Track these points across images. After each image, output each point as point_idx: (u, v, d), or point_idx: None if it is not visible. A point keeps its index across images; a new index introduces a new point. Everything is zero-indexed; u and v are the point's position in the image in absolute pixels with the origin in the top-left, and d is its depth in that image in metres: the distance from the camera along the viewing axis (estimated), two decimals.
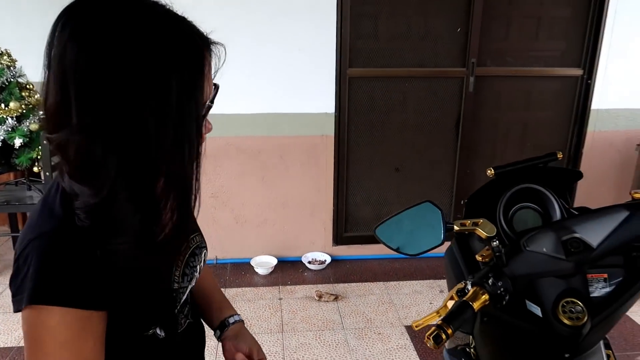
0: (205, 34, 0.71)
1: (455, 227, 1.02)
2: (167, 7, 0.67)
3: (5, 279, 3.08)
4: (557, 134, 3.30)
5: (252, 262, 3.18)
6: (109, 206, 0.64)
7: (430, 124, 3.19)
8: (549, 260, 1.05)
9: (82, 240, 0.66)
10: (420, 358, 2.39)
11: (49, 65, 0.62)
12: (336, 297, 2.87)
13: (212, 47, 0.72)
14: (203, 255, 0.93)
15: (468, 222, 1.03)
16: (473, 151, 3.24)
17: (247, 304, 2.82)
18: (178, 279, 0.83)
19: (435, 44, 3.02)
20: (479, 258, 1.07)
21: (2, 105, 2.80)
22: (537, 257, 1.04)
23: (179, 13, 0.68)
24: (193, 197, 0.70)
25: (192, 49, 0.65)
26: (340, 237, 3.34)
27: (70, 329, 0.65)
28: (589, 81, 3.14)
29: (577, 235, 1.06)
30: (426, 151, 3.25)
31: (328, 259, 3.26)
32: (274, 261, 3.20)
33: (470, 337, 1.35)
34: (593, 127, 3.22)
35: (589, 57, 3.11)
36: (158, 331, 0.80)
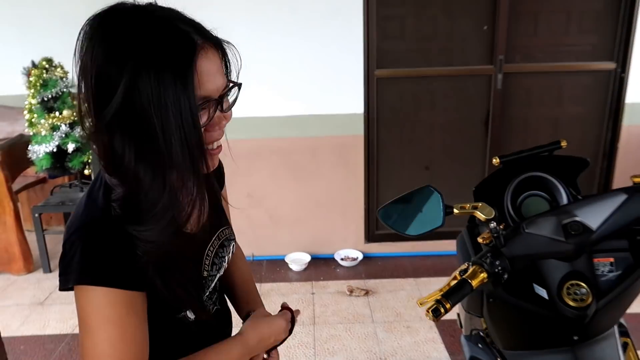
0: (209, 32, 0.75)
1: (455, 210, 1.10)
2: (169, 12, 0.73)
3: None
4: (590, 129, 3.26)
5: (287, 259, 3.31)
6: (135, 196, 0.73)
7: (459, 122, 3.22)
8: (548, 242, 1.10)
9: (119, 228, 0.74)
10: (448, 351, 2.44)
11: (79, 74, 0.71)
12: (367, 292, 2.96)
13: (226, 48, 0.79)
14: (231, 247, 1.01)
15: (467, 205, 1.10)
16: (503, 149, 3.24)
17: (281, 298, 2.94)
18: (208, 267, 0.92)
19: (461, 42, 3.06)
20: (480, 240, 1.14)
21: (57, 113, 3.05)
22: (536, 238, 1.09)
23: (192, 15, 0.76)
24: (197, 186, 0.75)
25: (180, 50, 0.69)
26: (371, 234, 3.41)
27: (114, 307, 0.72)
28: (623, 74, 3.09)
29: (577, 218, 1.10)
30: (455, 149, 3.28)
31: (360, 256, 3.34)
32: (308, 258, 3.31)
33: (482, 320, 1.41)
34: (628, 121, 3.16)
35: (622, 50, 3.06)
36: (188, 314, 0.87)
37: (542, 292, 1.18)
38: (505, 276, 1.06)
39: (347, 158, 3.21)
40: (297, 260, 3.31)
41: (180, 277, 0.82)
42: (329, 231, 3.37)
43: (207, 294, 0.95)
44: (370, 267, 3.30)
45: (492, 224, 1.06)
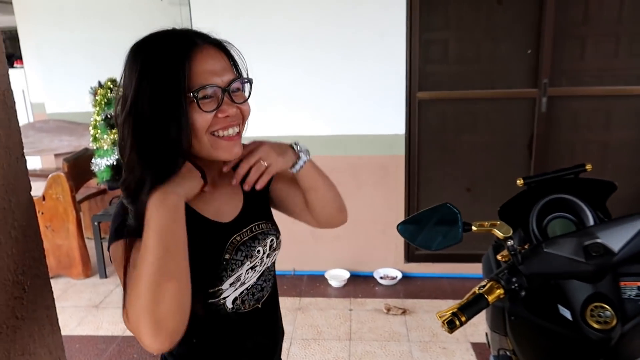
0: (211, 37, 0.92)
1: (474, 228, 1.14)
2: (182, 29, 0.91)
3: (117, 280, 3.56)
4: None
5: (326, 275, 3.37)
6: (127, 177, 0.87)
7: (502, 145, 3.21)
8: (567, 262, 1.11)
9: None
10: None
11: None
12: (404, 311, 2.97)
13: (230, 49, 0.94)
14: (269, 242, 1.04)
15: (486, 223, 1.14)
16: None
17: (319, 312, 3.01)
18: (231, 251, 0.97)
19: (504, 65, 3.07)
20: (499, 257, 1.17)
21: (116, 129, 3.30)
22: (555, 258, 1.11)
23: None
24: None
25: (178, 47, 0.85)
26: (411, 254, 3.43)
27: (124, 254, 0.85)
28: None
29: (598, 240, 1.12)
30: (498, 172, 3.26)
31: (399, 275, 3.36)
32: (347, 275, 3.37)
33: (507, 339, 1.42)
34: None
35: None
36: (229, 304, 0.97)
37: (566, 313, 1.19)
38: (523, 293, 1.09)
39: (387, 178, 3.27)
40: (337, 276, 3.37)
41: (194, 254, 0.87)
42: (368, 249, 3.42)
43: (246, 288, 1.01)
44: (409, 286, 3.31)
45: (509, 242, 1.10)
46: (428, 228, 1.13)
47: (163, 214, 0.79)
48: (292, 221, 3.69)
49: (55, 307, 0.96)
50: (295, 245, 3.39)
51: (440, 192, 3.33)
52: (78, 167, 3.52)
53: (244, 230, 1.02)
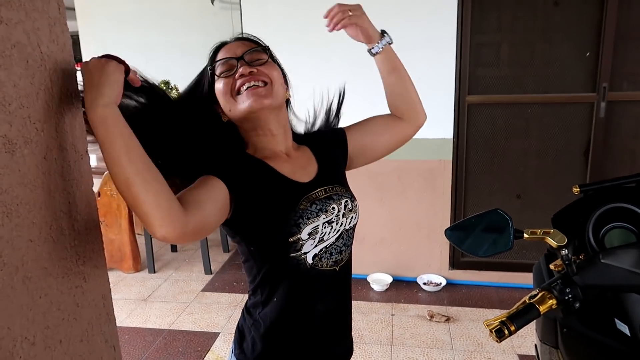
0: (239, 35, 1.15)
1: (525, 235, 1.10)
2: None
3: (165, 275, 3.68)
4: None
5: (369, 279, 3.36)
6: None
7: (556, 151, 3.09)
8: (627, 274, 1.06)
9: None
10: None
11: None
12: (448, 319, 2.91)
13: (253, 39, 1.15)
14: (343, 202, 1.12)
15: (539, 231, 1.10)
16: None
17: (360, 316, 2.99)
18: (306, 203, 1.06)
19: (561, 69, 2.96)
20: (552, 267, 1.13)
21: None
22: (613, 270, 1.06)
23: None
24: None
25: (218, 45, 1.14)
26: (457, 261, 3.36)
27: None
28: None
29: None
30: (551, 179, 3.14)
31: (443, 282, 3.30)
32: (389, 279, 3.34)
33: (558, 352, 1.37)
34: None
35: None
36: (309, 259, 1.05)
37: (624, 328, 1.13)
38: (577, 305, 1.05)
39: (434, 182, 3.22)
40: (379, 280, 3.34)
41: (267, 202, 1.03)
42: (412, 254, 3.38)
43: (325, 247, 1.08)
44: (453, 294, 3.24)
45: (563, 251, 1.06)
46: (477, 234, 1.11)
47: (98, 132, 0.81)
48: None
49: (111, 297, 1.00)
50: None
51: (488, 198, 3.25)
52: None
53: (319, 189, 1.11)
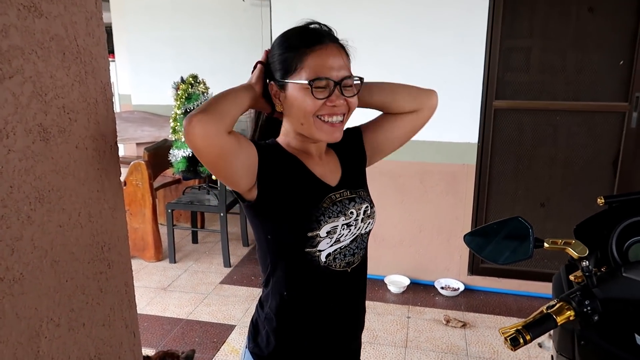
0: (336, 38, 1.11)
1: (546, 245, 1.09)
2: (306, 25, 1.11)
3: (185, 265, 3.74)
4: None
5: (386, 280, 3.35)
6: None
7: (583, 160, 3.03)
8: None
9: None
10: None
11: None
12: (464, 324, 2.89)
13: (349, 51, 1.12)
14: (364, 207, 1.14)
15: (559, 241, 1.09)
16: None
17: (376, 317, 2.99)
18: (329, 202, 1.09)
19: (592, 77, 2.90)
20: (571, 278, 1.12)
21: None
22: (635, 284, 1.05)
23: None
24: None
25: (308, 41, 1.05)
26: (476, 267, 3.32)
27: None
28: None
29: None
30: (577, 188, 3.09)
31: (461, 287, 3.27)
32: (407, 281, 3.33)
33: None
34: None
35: None
36: (322, 257, 1.07)
37: None
38: (596, 318, 1.03)
39: (456, 187, 3.19)
40: (396, 282, 3.33)
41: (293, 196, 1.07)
42: (431, 258, 3.36)
43: (340, 247, 1.10)
44: (471, 299, 3.21)
45: (584, 263, 1.05)
46: (497, 241, 1.10)
47: (237, 89, 1.07)
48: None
49: (133, 285, 1.03)
50: None
51: (511, 205, 3.20)
52: (157, 156, 3.74)
53: (345, 190, 1.14)
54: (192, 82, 3.49)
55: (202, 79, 3.62)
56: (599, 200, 1.28)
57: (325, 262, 1.09)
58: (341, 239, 1.09)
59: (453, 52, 2.96)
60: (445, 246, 3.31)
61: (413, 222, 3.32)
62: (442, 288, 3.27)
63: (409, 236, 3.35)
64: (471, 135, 3.07)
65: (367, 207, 1.15)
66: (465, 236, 1.11)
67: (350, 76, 1.07)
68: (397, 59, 3.05)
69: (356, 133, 1.26)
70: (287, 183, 1.07)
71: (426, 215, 3.29)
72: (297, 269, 1.10)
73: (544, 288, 3.13)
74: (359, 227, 1.13)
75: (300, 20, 1.12)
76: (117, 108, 6.75)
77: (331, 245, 1.08)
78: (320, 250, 1.07)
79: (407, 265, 3.40)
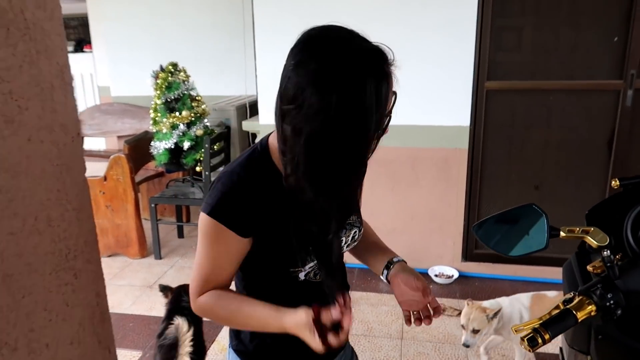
0: (388, 59, 0.92)
1: (562, 234, 1.00)
2: (363, 42, 0.91)
3: (171, 261, 3.61)
4: None
5: None
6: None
7: (577, 141, 2.97)
8: None
9: (255, 185, 0.96)
10: None
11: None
12: (459, 313, 2.81)
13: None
14: (352, 233, 1.09)
15: (577, 229, 1.00)
16: (629, 172, 2.90)
17: (370, 308, 2.91)
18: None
19: (586, 54, 2.82)
20: (589, 269, 1.03)
21: (177, 113, 3.32)
22: None
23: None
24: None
25: (377, 82, 0.86)
26: (470, 253, 3.26)
27: (209, 232, 0.96)
28: None
29: None
30: (571, 170, 3.02)
31: (456, 274, 3.21)
32: None
33: (587, 359, 1.27)
34: None
35: None
36: (301, 276, 1.01)
37: None
38: (619, 312, 0.95)
39: (448, 172, 3.10)
40: None
41: (291, 232, 0.98)
42: (424, 245, 3.28)
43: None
44: (465, 286, 3.15)
45: (605, 252, 0.96)
46: (508, 231, 1.01)
47: (275, 327, 0.96)
48: None
49: (106, 295, 0.91)
50: None
51: (505, 189, 3.13)
52: (138, 149, 3.59)
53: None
54: (172, 70, 3.34)
55: (183, 67, 3.47)
56: (613, 182, 1.19)
57: (304, 278, 1.04)
58: None
59: (443, 31, 2.86)
60: (438, 233, 3.24)
61: (405, 209, 3.24)
62: (436, 276, 3.20)
63: (401, 224, 3.27)
64: (463, 118, 2.98)
65: (355, 232, 1.09)
66: (473, 226, 1.02)
67: (395, 97, 0.99)
68: (385, 39, 2.90)
69: None
70: (274, 221, 0.98)
71: (418, 201, 3.20)
72: (275, 285, 1.05)
73: (540, 272, 3.08)
74: (343, 251, 1.10)
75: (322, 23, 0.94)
76: (96, 100, 6.54)
77: (311, 267, 1.03)
78: (299, 272, 1.03)
79: (399, 253, 3.24)
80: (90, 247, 0.87)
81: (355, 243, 1.13)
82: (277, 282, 1.05)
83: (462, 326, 2.19)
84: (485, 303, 2.25)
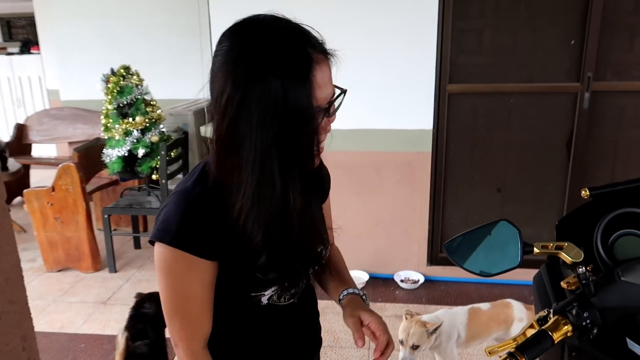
0: (321, 44, 0.83)
1: (536, 250, 0.96)
2: (288, 23, 0.81)
3: (127, 274, 3.44)
4: None
5: None
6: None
7: (538, 143, 2.99)
8: None
9: (211, 203, 0.84)
10: None
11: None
12: None
13: (331, 56, 0.85)
14: (318, 249, 1.00)
15: (550, 244, 0.96)
16: (587, 173, 2.97)
17: (335, 317, 2.83)
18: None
19: (544, 57, 2.84)
20: (564, 285, 0.99)
21: (130, 119, 3.16)
22: (634, 288, 0.93)
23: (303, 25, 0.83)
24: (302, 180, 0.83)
25: (299, 64, 0.76)
26: (435, 257, 3.24)
27: (177, 265, 0.84)
28: None
29: None
30: (532, 172, 3.05)
31: (421, 279, 3.18)
32: (366, 277, 3.20)
33: None
34: None
35: None
36: (263, 300, 0.93)
37: (638, 350, 1.00)
38: (595, 331, 0.91)
39: (412, 175, 3.07)
40: (355, 278, 3.14)
41: (252, 256, 0.88)
42: (390, 250, 3.24)
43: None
44: (431, 291, 3.12)
45: (580, 269, 0.91)
46: (480, 249, 0.95)
47: None
48: None
49: (34, 337, 0.80)
50: None
51: (468, 192, 3.13)
52: (89, 157, 3.40)
53: None
54: (124, 73, 3.17)
55: (136, 70, 3.31)
56: (583, 192, 1.15)
57: (267, 302, 0.95)
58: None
59: (404, 34, 2.82)
60: (403, 237, 3.20)
61: (370, 214, 3.19)
62: (401, 281, 3.17)
63: (366, 229, 3.21)
64: (426, 121, 2.95)
65: (322, 249, 1.01)
66: (444, 245, 0.96)
67: (342, 92, 0.88)
68: (344, 42, 2.84)
69: (329, 180, 1.16)
70: (233, 243, 0.86)
71: (383, 206, 3.16)
72: (236, 310, 0.96)
73: (505, 274, 3.08)
74: (310, 270, 1.01)
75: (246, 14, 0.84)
76: (45, 104, 6.21)
77: (274, 291, 0.95)
78: (261, 296, 0.94)
79: (365, 260, 3.26)
80: (14, 284, 0.76)
81: (323, 261, 1.06)
82: (238, 308, 0.96)
83: (401, 342, 2.02)
84: (425, 317, 2.11)
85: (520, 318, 2.13)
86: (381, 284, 3.21)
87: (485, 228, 0.95)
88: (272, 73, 0.74)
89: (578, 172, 2.96)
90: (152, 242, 0.87)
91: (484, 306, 2.19)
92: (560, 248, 0.94)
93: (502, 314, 2.15)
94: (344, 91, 0.87)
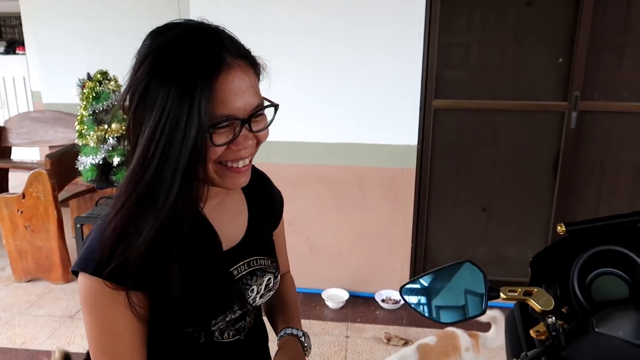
0: (243, 50, 0.76)
1: (502, 296, 0.86)
2: (208, 26, 0.75)
3: None
4: None
5: (324, 295, 3.10)
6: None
7: (524, 162, 2.91)
8: (625, 347, 0.84)
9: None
10: None
11: None
12: (406, 342, 2.68)
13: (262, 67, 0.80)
14: (265, 280, 0.93)
15: (519, 290, 0.87)
16: (574, 193, 2.89)
17: (312, 338, 2.72)
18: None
19: (532, 75, 2.77)
20: (533, 334, 0.89)
21: (106, 125, 3.05)
22: (609, 341, 0.84)
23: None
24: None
25: (202, 66, 0.70)
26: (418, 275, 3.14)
27: (103, 298, 0.75)
28: None
29: None
30: (518, 191, 2.97)
31: None
32: (346, 295, 3.09)
33: None
34: None
35: None
36: (197, 334, 0.85)
37: None
38: None
39: (396, 192, 2.98)
40: (335, 297, 3.09)
41: (187, 288, 0.79)
42: (371, 268, 3.14)
43: (229, 319, 0.89)
44: (412, 312, 3.00)
45: (549, 319, 0.82)
46: (441, 293, 0.86)
47: None
48: (290, 233, 3.33)
49: None
50: (291, 259, 3.10)
51: (453, 209, 3.04)
52: (63, 163, 3.28)
53: (242, 263, 0.90)
54: (101, 79, 3.08)
55: (114, 76, 3.21)
56: (559, 228, 1.07)
57: (207, 339, 0.87)
58: (228, 317, 0.88)
59: (389, 48, 2.74)
60: (386, 255, 3.11)
61: (352, 231, 3.09)
62: (382, 300, 3.06)
63: (347, 246, 3.12)
64: (410, 137, 2.87)
65: (269, 279, 0.94)
66: (401, 288, 0.86)
67: (261, 107, 0.77)
68: (328, 55, 2.79)
69: (281, 202, 1.07)
70: (165, 272, 0.77)
71: (365, 222, 3.06)
72: (170, 348, 0.85)
73: None
74: (256, 302, 0.93)
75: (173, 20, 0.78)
76: (29, 106, 6.09)
77: (215, 324, 0.86)
78: (199, 331, 0.85)
79: (346, 277, 3.16)
80: None
81: (271, 293, 0.96)
82: (175, 345, 0.86)
83: None
84: None
85: (467, 347, 2.13)
86: (362, 303, 3.10)
87: (446, 270, 0.86)
88: (176, 70, 0.70)
89: (564, 192, 2.89)
90: (75, 273, 0.78)
91: (431, 340, 2.14)
92: (529, 294, 0.85)
93: (449, 346, 2.13)
94: (275, 105, 0.79)
